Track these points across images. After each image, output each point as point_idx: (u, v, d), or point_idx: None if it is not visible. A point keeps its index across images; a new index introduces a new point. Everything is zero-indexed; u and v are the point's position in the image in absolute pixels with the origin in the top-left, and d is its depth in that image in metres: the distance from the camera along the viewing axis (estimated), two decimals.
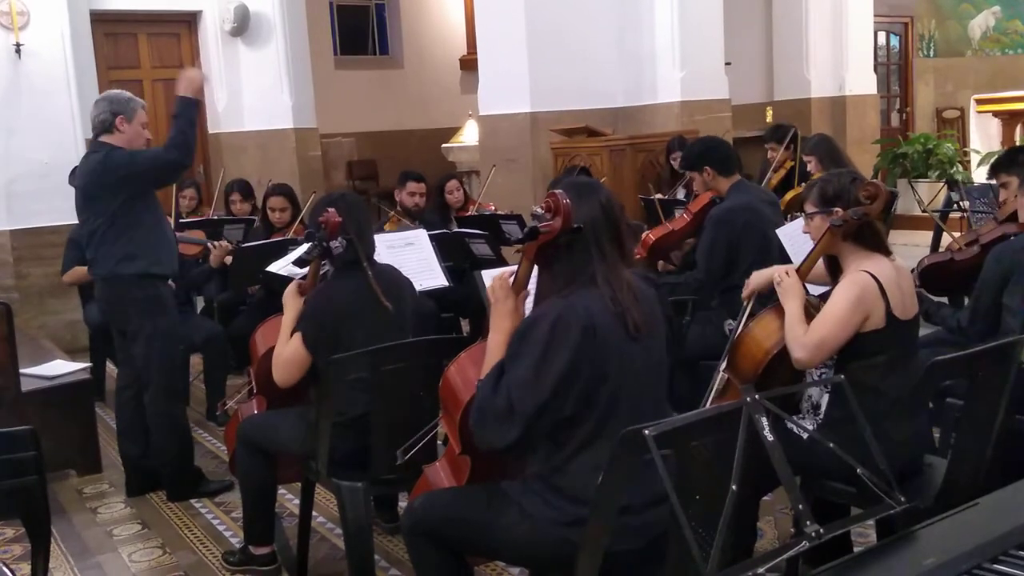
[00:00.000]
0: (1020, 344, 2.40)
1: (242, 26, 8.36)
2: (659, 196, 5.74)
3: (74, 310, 6.34)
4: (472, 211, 6.05)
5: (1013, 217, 3.72)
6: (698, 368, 3.83)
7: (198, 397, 5.46)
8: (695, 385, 3.85)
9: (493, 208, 6.26)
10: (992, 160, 4.32)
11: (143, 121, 3.96)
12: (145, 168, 3.85)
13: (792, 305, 2.75)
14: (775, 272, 2.88)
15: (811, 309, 2.76)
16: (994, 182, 4.41)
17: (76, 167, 4.12)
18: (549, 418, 2.13)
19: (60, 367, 4.59)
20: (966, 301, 3.78)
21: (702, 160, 4.18)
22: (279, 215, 5.45)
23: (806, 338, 2.64)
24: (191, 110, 3.92)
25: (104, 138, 3.89)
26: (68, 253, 5.37)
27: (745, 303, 2.96)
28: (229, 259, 5.05)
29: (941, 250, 4.78)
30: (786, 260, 3.59)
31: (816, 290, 2.96)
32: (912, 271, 3.70)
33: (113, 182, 3.82)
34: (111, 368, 5.70)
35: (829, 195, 2.74)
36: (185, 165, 3.98)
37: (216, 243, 5.06)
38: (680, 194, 5.96)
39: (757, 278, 2.98)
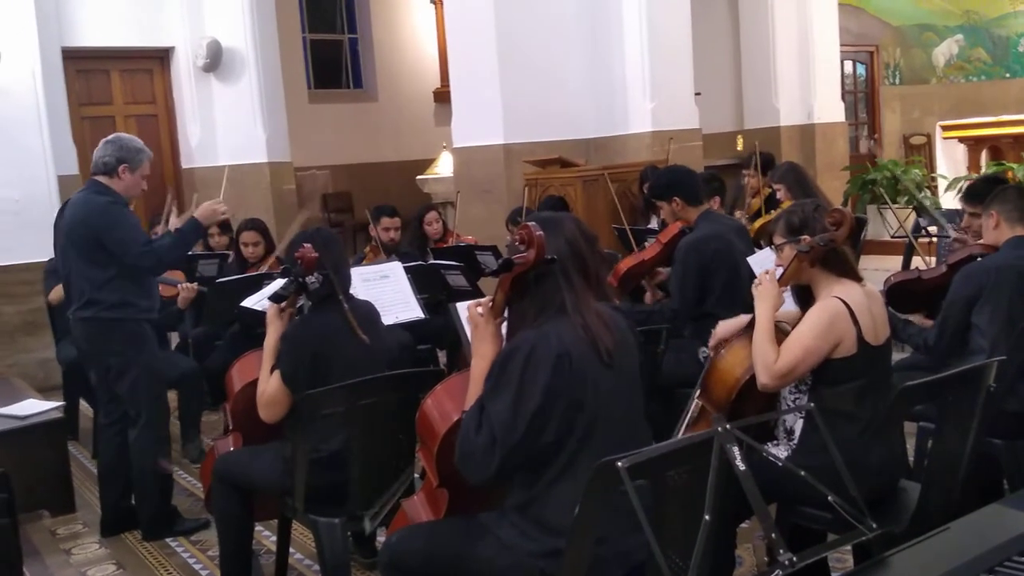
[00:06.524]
0: (989, 368, 2.43)
1: (215, 62, 8.36)
2: (651, 227, 5.81)
3: (47, 348, 6.26)
4: (452, 242, 6.06)
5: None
6: (674, 396, 3.85)
7: (173, 434, 5.39)
8: (670, 413, 3.87)
9: (473, 240, 6.28)
10: (968, 185, 4.33)
11: (145, 173, 3.97)
12: (112, 248, 3.81)
13: (763, 309, 2.74)
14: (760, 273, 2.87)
15: (780, 333, 2.76)
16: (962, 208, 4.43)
17: (67, 201, 4.05)
18: (527, 450, 2.13)
19: (32, 406, 4.52)
20: None
21: (670, 190, 4.24)
22: (252, 250, 5.45)
23: (776, 366, 2.64)
24: (195, 235, 4.03)
25: (102, 179, 3.88)
26: (48, 280, 5.35)
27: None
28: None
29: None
30: None
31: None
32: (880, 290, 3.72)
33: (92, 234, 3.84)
34: (85, 407, 5.63)
35: (795, 225, 2.79)
36: (148, 273, 3.99)
37: (186, 285, 5.02)
38: (655, 223, 6.01)
39: (723, 327, 2.96)
